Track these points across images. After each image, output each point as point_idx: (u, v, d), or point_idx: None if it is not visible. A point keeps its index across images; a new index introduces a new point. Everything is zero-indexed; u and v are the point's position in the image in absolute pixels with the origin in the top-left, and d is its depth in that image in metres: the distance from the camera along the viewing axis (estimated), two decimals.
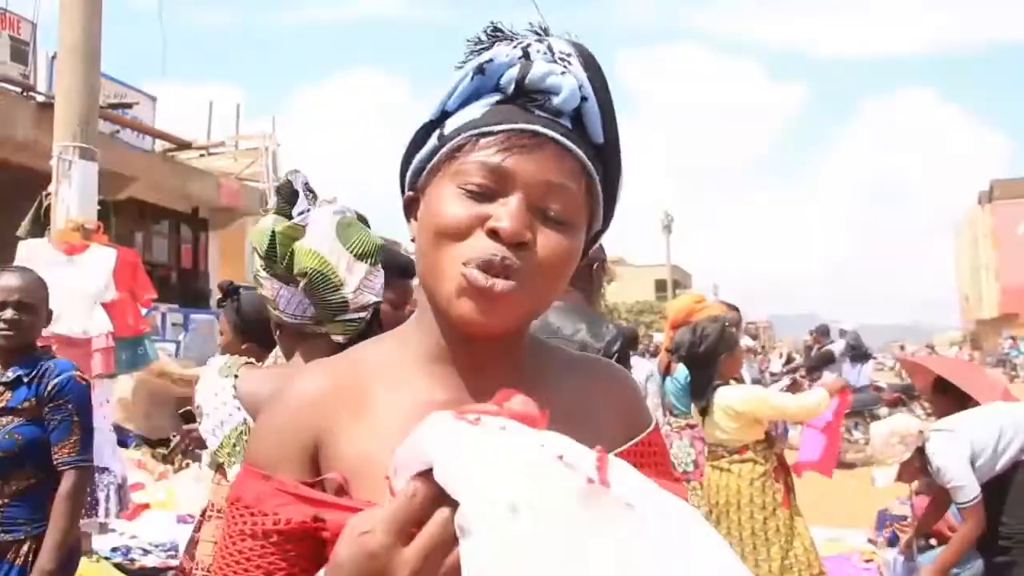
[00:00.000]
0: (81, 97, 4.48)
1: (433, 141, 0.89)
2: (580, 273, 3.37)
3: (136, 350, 4.62)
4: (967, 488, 3.49)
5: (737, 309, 5.48)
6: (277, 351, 2.29)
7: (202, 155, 14.82)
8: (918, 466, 3.73)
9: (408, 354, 0.91)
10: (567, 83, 0.85)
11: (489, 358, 0.89)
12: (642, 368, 4.97)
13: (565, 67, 0.86)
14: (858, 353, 12.32)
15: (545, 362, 0.97)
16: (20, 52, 10.31)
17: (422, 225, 0.87)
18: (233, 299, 2.90)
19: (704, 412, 3.99)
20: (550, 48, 0.87)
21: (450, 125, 0.88)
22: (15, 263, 4.13)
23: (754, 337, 11.01)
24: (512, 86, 0.86)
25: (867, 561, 5.64)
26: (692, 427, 4.83)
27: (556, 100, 0.85)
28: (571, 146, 0.84)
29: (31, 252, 4.21)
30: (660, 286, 41.53)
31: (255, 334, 2.77)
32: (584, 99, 0.86)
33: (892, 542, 5.31)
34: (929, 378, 4.19)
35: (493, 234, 0.80)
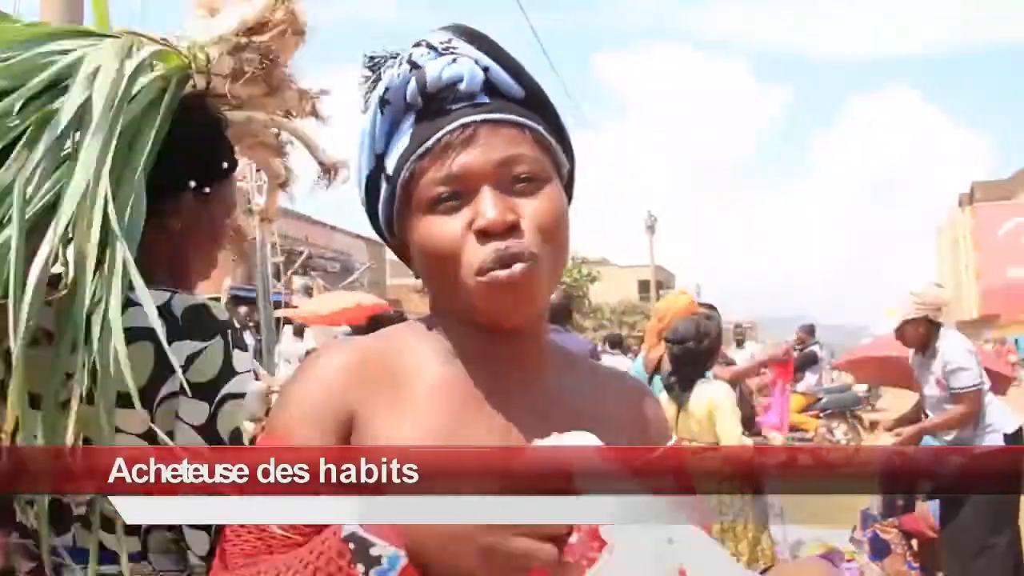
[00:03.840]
0: None
1: (384, 186, 0.90)
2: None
3: None
4: (970, 373, 3.97)
5: (715, 309, 5.49)
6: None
7: None
8: (922, 332, 4.11)
9: (431, 348, 0.92)
10: (463, 66, 0.87)
11: (512, 353, 0.91)
12: (622, 367, 4.97)
13: (453, 54, 0.88)
14: None
15: (567, 365, 0.98)
16: None
17: (422, 260, 0.88)
18: None
19: (680, 407, 3.98)
20: (430, 46, 0.89)
21: (389, 165, 0.89)
22: None
23: (740, 342, 10.98)
24: (419, 98, 0.87)
25: (849, 561, 5.65)
26: None
27: (463, 87, 0.86)
28: (499, 116, 0.86)
29: None
30: (643, 287, 41.64)
31: None
32: (486, 69, 0.88)
33: (874, 543, 5.32)
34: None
35: (483, 234, 0.82)
